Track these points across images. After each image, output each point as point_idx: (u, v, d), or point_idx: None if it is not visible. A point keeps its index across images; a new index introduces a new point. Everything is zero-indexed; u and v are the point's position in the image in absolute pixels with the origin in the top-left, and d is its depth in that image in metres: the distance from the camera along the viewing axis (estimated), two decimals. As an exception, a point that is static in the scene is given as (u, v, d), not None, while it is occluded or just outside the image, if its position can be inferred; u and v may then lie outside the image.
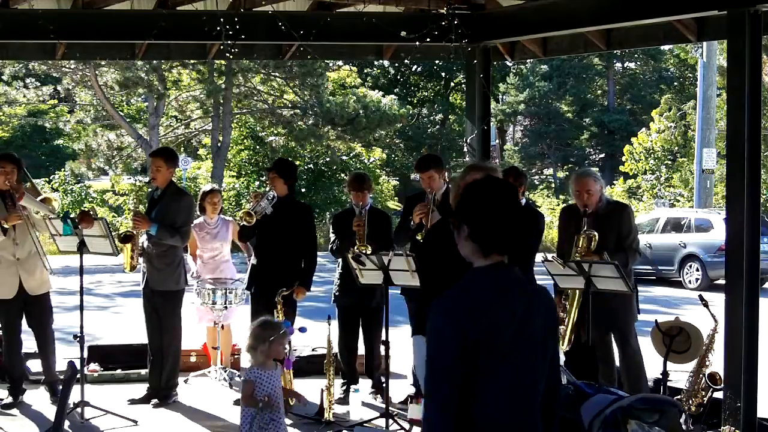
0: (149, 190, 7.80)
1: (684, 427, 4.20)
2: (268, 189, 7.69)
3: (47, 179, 28.56)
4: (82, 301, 7.12)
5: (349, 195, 7.92)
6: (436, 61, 35.20)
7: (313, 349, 8.82)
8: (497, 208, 2.95)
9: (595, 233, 6.67)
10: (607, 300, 6.54)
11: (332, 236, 7.85)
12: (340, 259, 7.77)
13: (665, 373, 6.39)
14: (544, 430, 3.00)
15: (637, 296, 6.90)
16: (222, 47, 8.25)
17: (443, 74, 39.25)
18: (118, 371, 8.41)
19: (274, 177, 7.55)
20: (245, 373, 5.52)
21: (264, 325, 5.46)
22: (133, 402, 7.54)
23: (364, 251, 7.03)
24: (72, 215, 7.22)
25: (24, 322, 7.60)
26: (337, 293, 7.80)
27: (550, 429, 3.03)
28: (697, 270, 17.82)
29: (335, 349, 7.53)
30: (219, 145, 26.52)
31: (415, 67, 39.35)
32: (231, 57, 8.69)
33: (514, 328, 2.90)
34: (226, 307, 8.20)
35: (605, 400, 4.01)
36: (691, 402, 6.71)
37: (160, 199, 7.47)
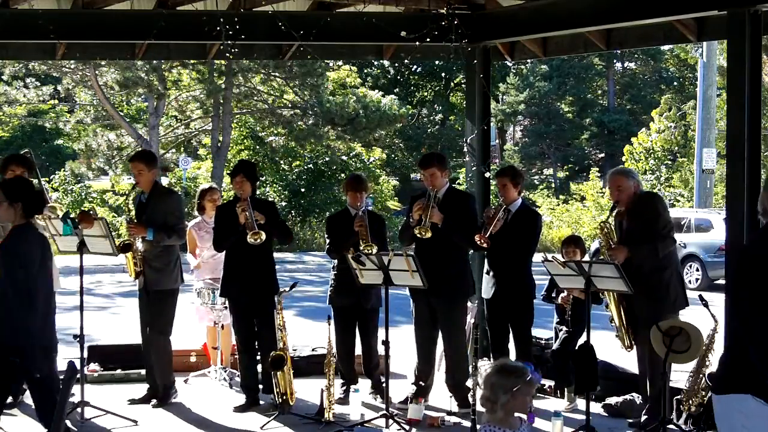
0: (135, 194, 7.73)
1: None
2: (239, 195, 7.43)
3: (47, 179, 28.52)
4: (82, 301, 7.13)
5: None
6: (436, 61, 35.16)
7: (313, 349, 8.83)
8: (32, 193, 5.78)
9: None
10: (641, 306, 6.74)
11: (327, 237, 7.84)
12: (335, 260, 7.76)
13: (665, 373, 6.40)
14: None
15: (683, 286, 6.96)
16: (222, 47, 8.26)
17: (443, 74, 39.21)
18: (118, 371, 8.42)
19: (242, 181, 7.36)
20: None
21: (502, 371, 4.31)
22: (133, 402, 7.55)
23: (369, 250, 7.01)
24: (72, 215, 7.22)
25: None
26: (332, 294, 7.78)
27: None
28: (697, 270, 17.80)
29: (335, 349, 7.52)
30: (219, 145, 26.49)
31: (415, 67, 39.32)
32: (231, 57, 8.69)
33: (40, 258, 5.61)
34: (225, 307, 8.19)
35: None
36: (691, 402, 6.72)
37: (148, 202, 7.48)
